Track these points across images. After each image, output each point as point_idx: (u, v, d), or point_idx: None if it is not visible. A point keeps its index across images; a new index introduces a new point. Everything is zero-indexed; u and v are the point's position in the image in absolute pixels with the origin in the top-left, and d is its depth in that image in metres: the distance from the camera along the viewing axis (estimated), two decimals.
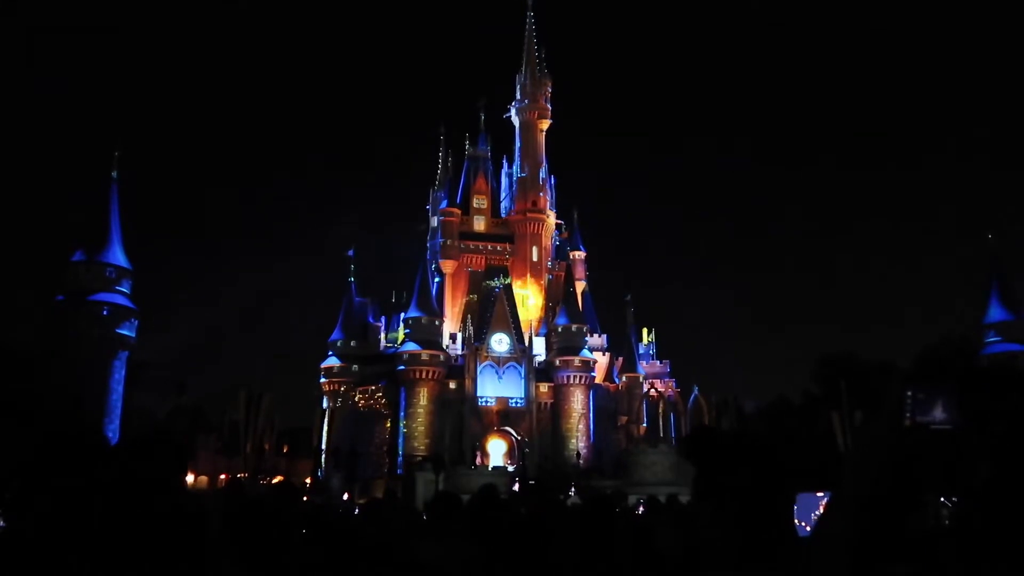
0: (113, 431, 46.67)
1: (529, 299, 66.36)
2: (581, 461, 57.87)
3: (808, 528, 6.90)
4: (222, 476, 51.51)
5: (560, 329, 62.33)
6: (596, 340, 66.87)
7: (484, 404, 59.34)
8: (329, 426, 61.27)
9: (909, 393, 1.99)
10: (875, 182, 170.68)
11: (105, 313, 47.56)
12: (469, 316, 62.58)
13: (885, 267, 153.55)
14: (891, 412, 1.95)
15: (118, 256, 49.79)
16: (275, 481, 40.88)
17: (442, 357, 59.94)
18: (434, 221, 69.25)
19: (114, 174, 51.41)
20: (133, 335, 49.37)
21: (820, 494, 6.06)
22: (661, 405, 65.55)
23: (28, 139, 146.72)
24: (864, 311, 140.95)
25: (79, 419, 40.31)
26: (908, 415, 1.98)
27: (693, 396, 63.95)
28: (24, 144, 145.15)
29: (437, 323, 61.20)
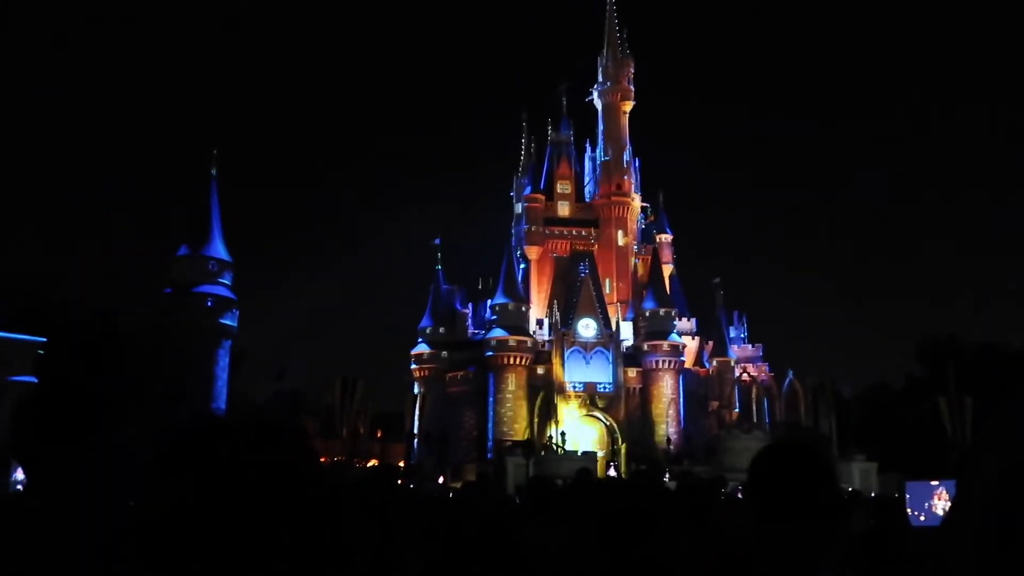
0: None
1: (616, 283, 65.78)
2: (671, 447, 57.16)
3: (922, 518, 6.64)
4: (321, 460, 53.28)
5: (647, 313, 61.56)
6: (685, 324, 65.74)
7: (572, 389, 59.31)
8: (420, 411, 62.55)
9: None
10: (975, 152, 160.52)
11: (209, 304, 49.92)
12: (555, 301, 62.56)
13: (992, 243, 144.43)
14: (1018, 401, 1.82)
15: (219, 250, 52.11)
16: (370, 464, 42.12)
17: (529, 343, 60.21)
18: (518, 207, 69.39)
19: (213, 171, 53.77)
20: (235, 325, 51.65)
21: (935, 483, 5.81)
22: (754, 390, 63.96)
23: (133, 142, 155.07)
24: (957, 286, 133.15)
25: (191, 406, 42.50)
26: None
27: (788, 380, 62.15)
28: (130, 145, 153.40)
29: (523, 309, 61.46)
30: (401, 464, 56.27)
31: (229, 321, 50.98)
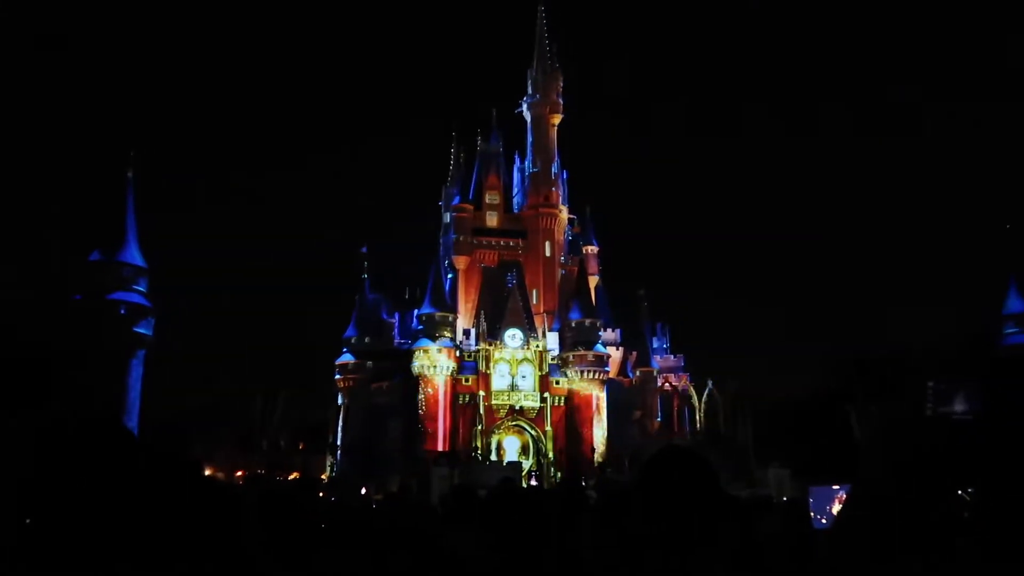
0: (132, 429, 47.11)
1: (542, 294, 66.35)
2: (596, 456, 57.90)
3: (824, 520, 6.94)
4: (238, 473, 51.94)
5: (573, 324, 62.30)
6: (610, 335, 66.79)
7: (498, 400, 59.43)
8: (344, 422, 61.54)
9: (930, 384, 2.01)
10: (888, 170, 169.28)
11: (122, 312, 48.00)
12: (482, 312, 62.67)
13: (900, 258, 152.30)
14: (911, 404, 1.97)
15: (135, 255, 50.22)
16: (291, 477, 41.19)
17: (456, 353, 60.10)
18: (447, 217, 69.32)
19: (129, 174, 51.84)
20: (150, 333, 49.80)
21: (836, 487, 6.08)
22: (676, 400, 65.51)
23: (45, 141, 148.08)
24: (878, 303, 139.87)
25: (101, 417, 40.67)
26: (929, 406, 1.99)
27: (707, 390, 63.85)
28: (41, 146, 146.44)
29: (451, 319, 61.33)
30: (324, 476, 55.18)
31: (144, 330, 49.12)
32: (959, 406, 1.95)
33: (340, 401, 64.78)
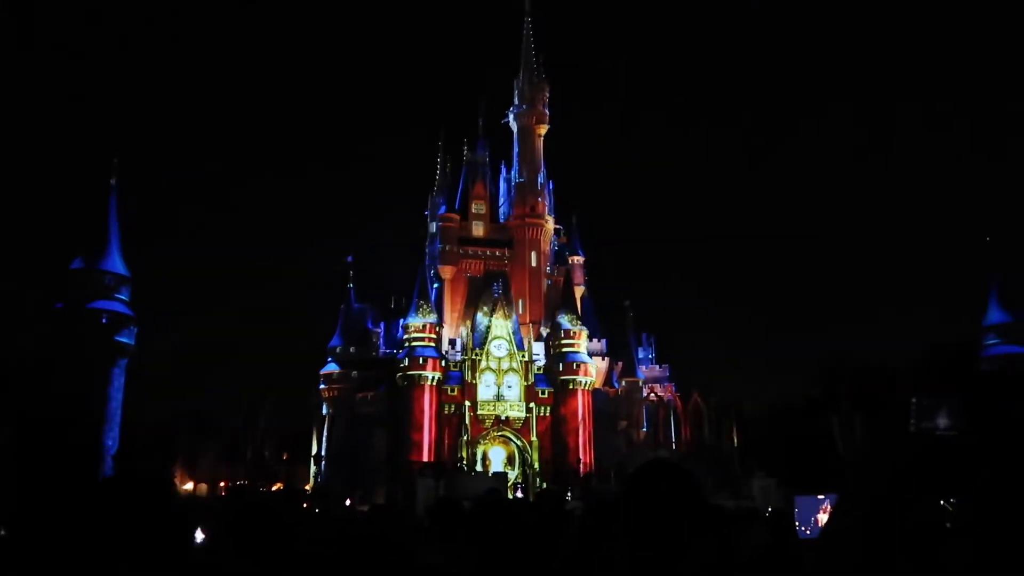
0: (113, 439, 46.64)
1: (528, 304, 66.35)
2: (581, 466, 57.82)
3: (808, 531, 6.95)
4: (222, 483, 51.45)
5: (559, 334, 62.31)
6: (596, 345, 66.86)
7: (484, 410, 59.27)
8: (329, 432, 61.14)
9: (914, 399, 2.00)
10: (872, 181, 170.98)
11: (104, 321, 47.55)
12: (468, 321, 62.57)
13: (883, 268, 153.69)
14: (896, 418, 1.97)
15: (117, 263, 49.81)
16: (275, 488, 40.84)
17: (442, 363, 59.92)
18: (433, 227, 69.25)
19: (113, 181, 51.48)
20: (132, 342, 49.34)
21: (821, 497, 6.10)
22: (660, 410, 65.59)
23: (27, 145, 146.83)
24: (862, 313, 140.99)
25: (79, 427, 40.25)
26: (913, 421, 1.99)
27: (692, 400, 64.00)
28: (23, 150, 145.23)
29: (436, 328, 61.18)
30: (308, 487, 54.77)
31: (125, 339, 48.69)
32: (943, 421, 1.94)
33: (325, 411, 64.40)
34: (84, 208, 52.86)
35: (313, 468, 60.98)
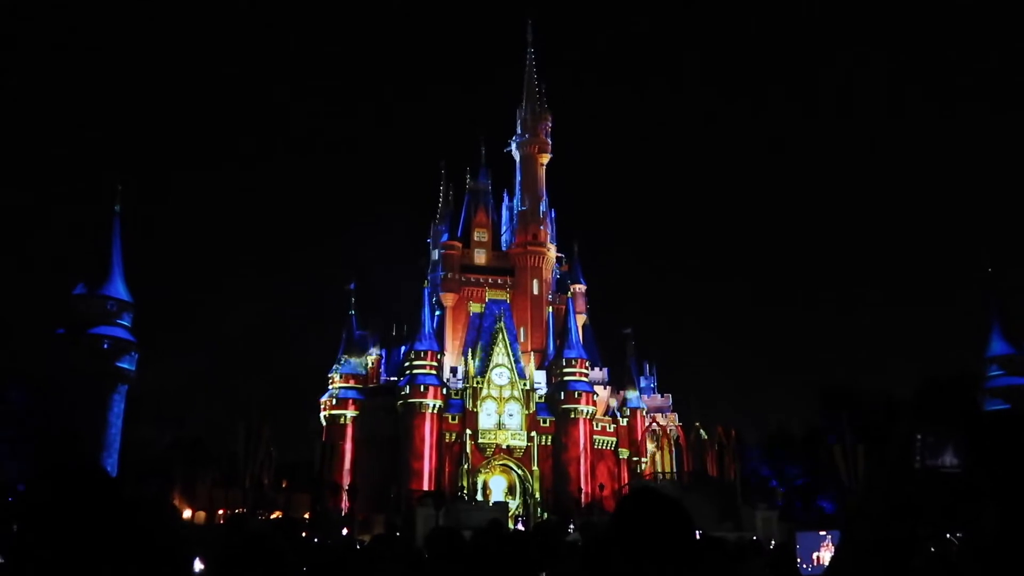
0: (111, 465, 46.36)
1: (530, 332, 66.26)
2: (583, 496, 57.31)
3: (809, 568, 6.84)
4: (220, 511, 51.00)
5: (561, 362, 62.13)
6: (597, 373, 66.62)
7: (485, 438, 58.91)
8: (329, 460, 60.61)
9: (918, 435, 1.99)
10: (874, 214, 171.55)
11: (105, 347, 47.54)
12: (470, 349, 62.43)
13: (885, 301, 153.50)
14: (899, 452, 1.95)
15: (119, 289, 49.90)
16: (274, 516, 40.49)
17: (443, 391, 59.68)
18: (435, 254, 69.42)
19: (116, 207, 51.76)
20: (133, 368, 49.26)
21: (823, 533, 6.00)
22: (663, 439, 65.16)
23: (31, 172, 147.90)
24: (864, 341, 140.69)
25: (77, 453, 40.05)
26: (917, 457, 1.98)
27: (695, 430, 63.60)
28: (27, 177, 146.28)
29: (438, 356, 61.04)
30: (306, 515, 54.26)
31: (126, 365, 48.62)
32: (948, 459, 1.93)
33: (324, 438, 64.01)
34: (87, 234, 53.17)
35: (312, 496, 60.43)
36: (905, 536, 1.87)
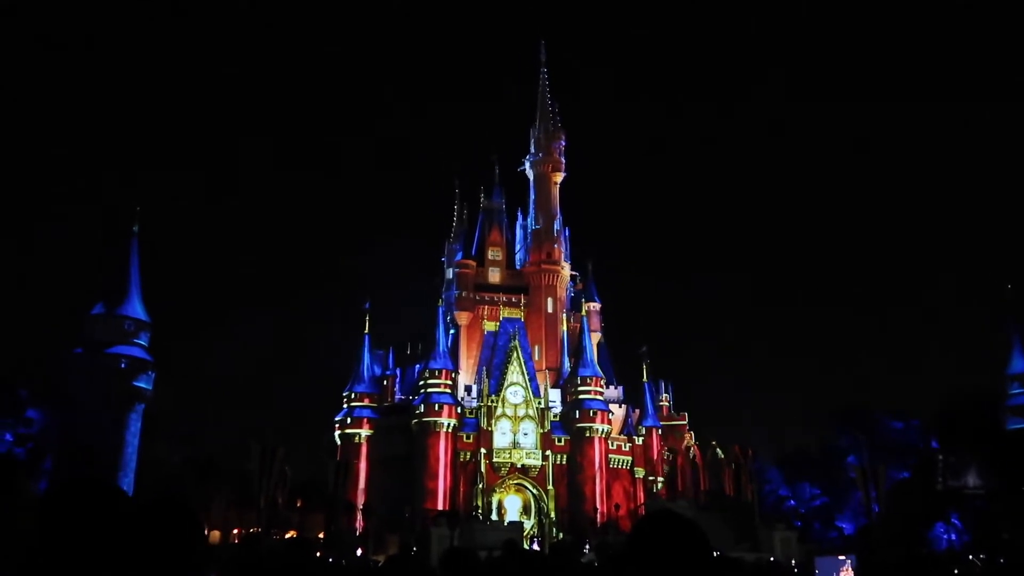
0: (127, 484, 46.52)
1: (544, 350, 66.12)
2: (598, 515, 56.82)
3: None
4: (235, 531, 51.00)
5: (576, 381, 61.90)
6: (612, 392, 66.31)
7: (500, 457, 58.64)
8: (343, 480, 60.49)
9: (941, 456, 1.96)
10: (893, 231, 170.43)
11: (123, 366, 47.87)
12: (484, 368, 62.32)
13: (905, 318, 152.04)
14: (922, 473, 1.93)
15: (137, 309, 50.32)
16: (288, 536, 40.42)
17: (457, 409, 59.54)
18: (449, 273, 69.60)
19: (135, 228, 52.34)
20: (150, 387, 49.55)
21: (841, 557, 5.89)
22: (679, 458, 64.61)
23: (51, 194, 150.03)
24: (883, 360, 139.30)
25: (93, 472, 40.22)
26: (940, 480, 1.95)
27: (711, 449, 63.06)
28: (47, 198, 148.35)
29: (452, 375, 60.97)
30: (320, 535, 54.12)
31: (143, 384, 48.92)
32: (971, 480, 1.90)
33: (339, 457, 63.95)
34: (107, 255, 53.75)
35: (327, 516, 60.31)
36: (926, 556, 1.85)
